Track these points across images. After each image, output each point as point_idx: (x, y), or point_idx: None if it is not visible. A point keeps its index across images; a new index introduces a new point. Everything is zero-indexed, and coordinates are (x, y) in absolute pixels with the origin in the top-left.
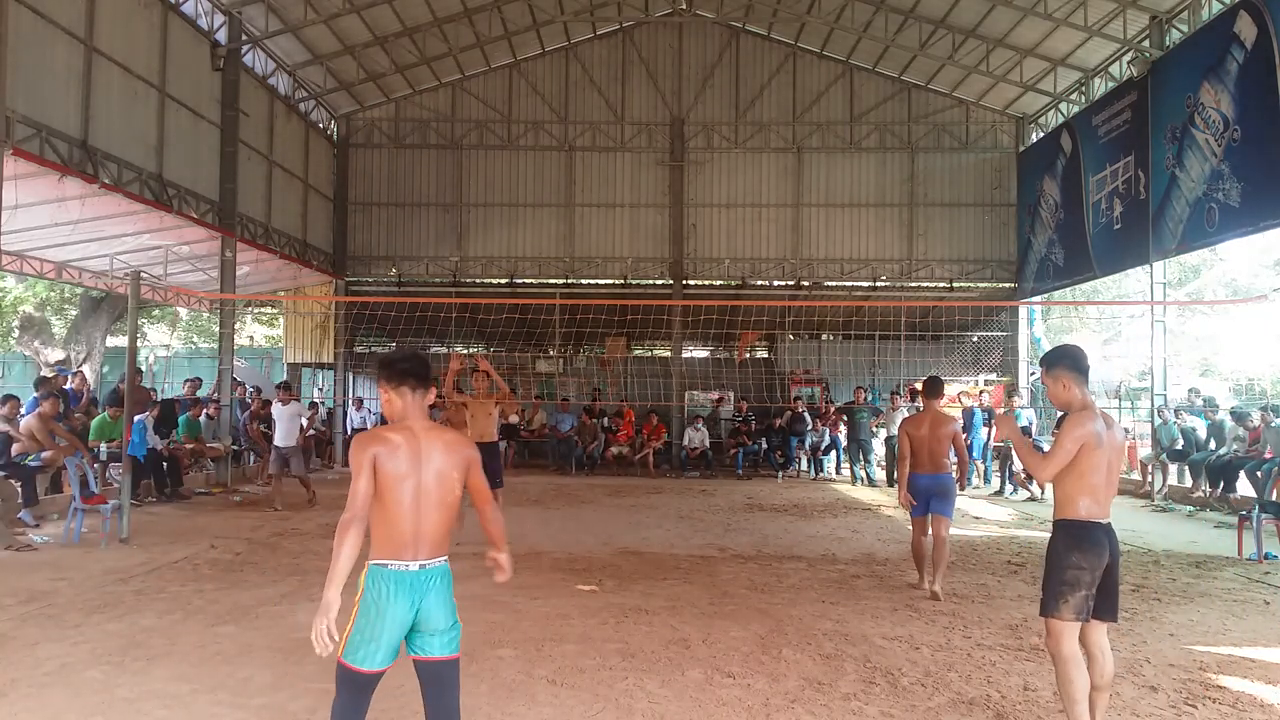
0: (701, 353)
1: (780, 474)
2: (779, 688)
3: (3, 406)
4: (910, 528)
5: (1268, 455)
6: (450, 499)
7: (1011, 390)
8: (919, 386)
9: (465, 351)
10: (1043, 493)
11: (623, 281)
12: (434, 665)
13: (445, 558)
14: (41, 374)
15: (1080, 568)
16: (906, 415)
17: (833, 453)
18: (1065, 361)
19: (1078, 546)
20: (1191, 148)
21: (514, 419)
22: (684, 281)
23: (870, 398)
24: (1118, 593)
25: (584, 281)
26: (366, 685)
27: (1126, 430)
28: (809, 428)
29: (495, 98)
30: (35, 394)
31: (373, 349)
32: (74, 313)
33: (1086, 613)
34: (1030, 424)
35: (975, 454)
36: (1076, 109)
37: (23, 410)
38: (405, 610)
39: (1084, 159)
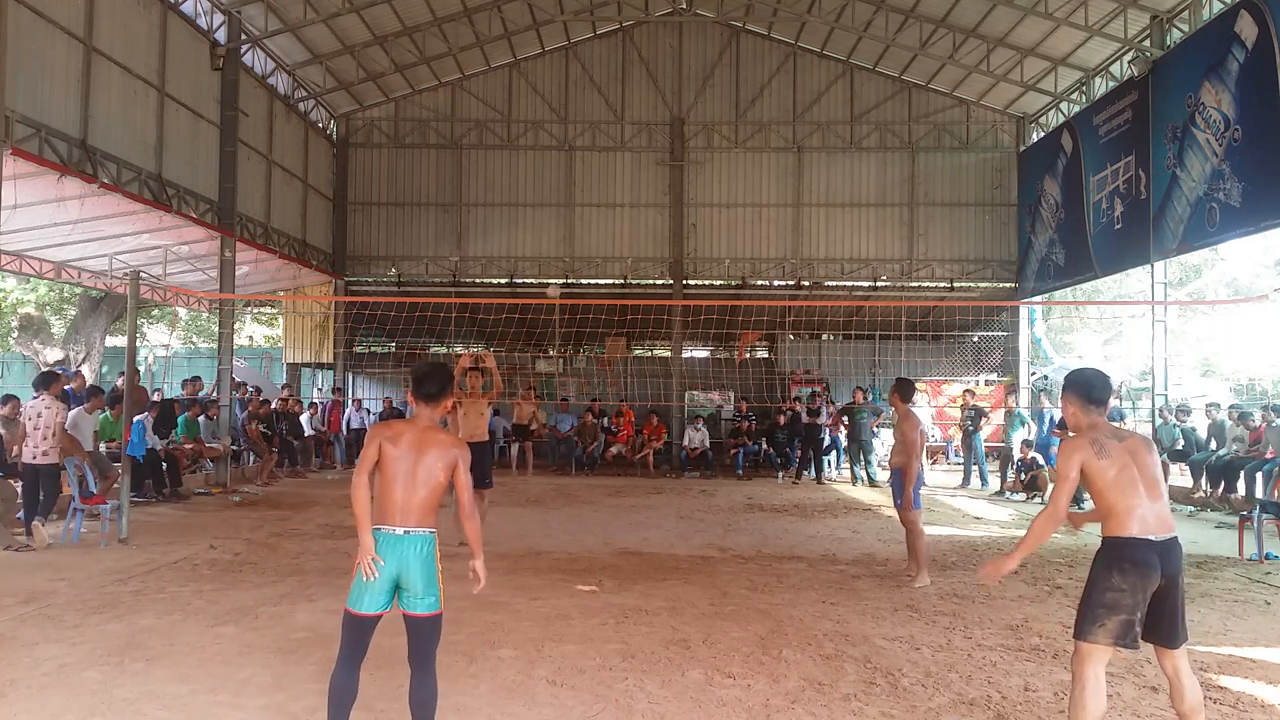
0: (701, 353)
1: (780, 474)
2: (779, 688)
3: (3, 406)
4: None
5: (1269, 455)
6: (432, 483)
7: (1011, 390)
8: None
9: (472, 350)
10: (1043, 496)
11: (623, 281)
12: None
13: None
14: (40, 374)
15: (1119, 589)
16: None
17: (833, 453)
18: (1073, 389)
19: (1116, 566)
20: (1192, 147)
21: (527, 413)
22: (684, 281)
23: (871, 398)
24: (1177, 616)
25: (584, 281)
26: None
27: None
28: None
29: (495, 97)
30: (34, 394)
31: (372, 349)
32: (73, 313)
33: (1130, 639)
34: (1026, 425)
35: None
36: (1077, 108)
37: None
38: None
39: (1085, 158)
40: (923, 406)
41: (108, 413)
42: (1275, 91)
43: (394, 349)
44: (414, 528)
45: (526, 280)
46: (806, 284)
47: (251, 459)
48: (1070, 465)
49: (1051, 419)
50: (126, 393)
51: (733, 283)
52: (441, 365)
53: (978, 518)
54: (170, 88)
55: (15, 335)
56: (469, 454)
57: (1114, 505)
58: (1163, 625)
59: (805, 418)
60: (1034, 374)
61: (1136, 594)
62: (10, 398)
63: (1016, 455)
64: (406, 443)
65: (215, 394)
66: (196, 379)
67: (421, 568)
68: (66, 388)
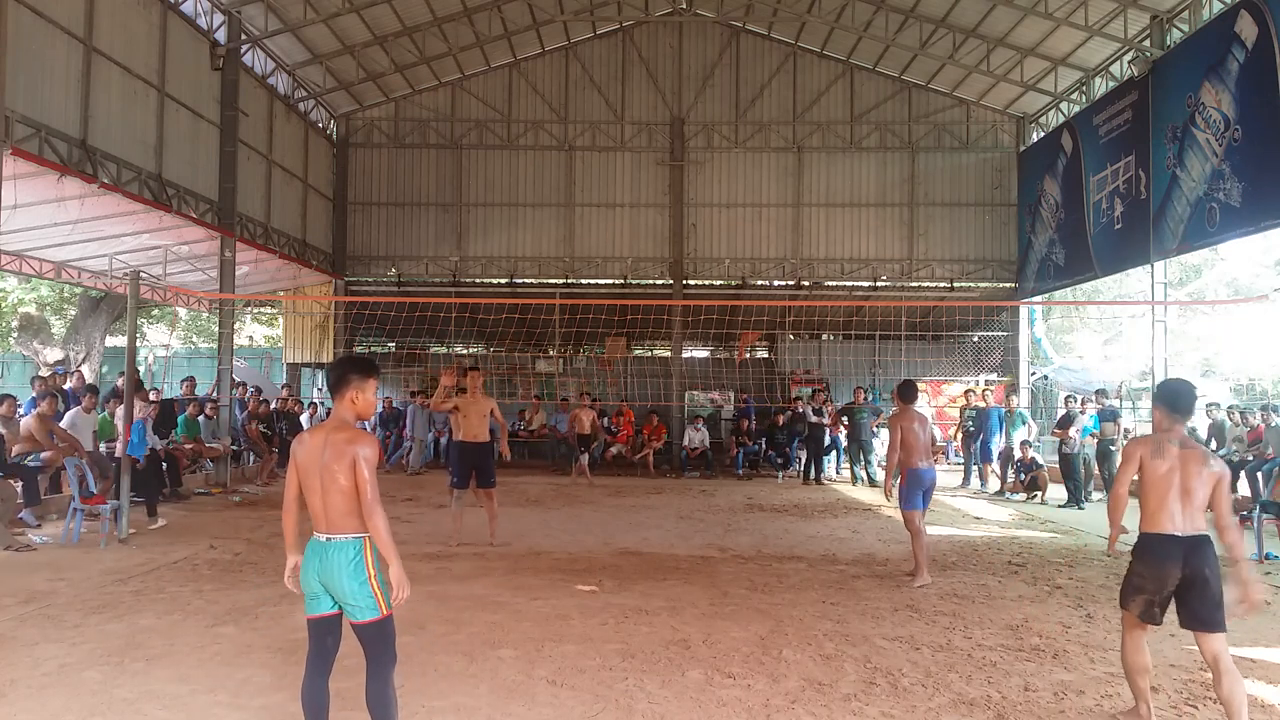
0: (701, 353)
1: (780, 474)
2: (779, 688)
3: None
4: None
5: (1269, 455)
6: (337, 487)
7: (1011, 390)
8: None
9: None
10: (1042, 496)
11: (623, 281)
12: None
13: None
14: (39, 373)
15: (1141, 575)
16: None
17: (833, 453)
18: (1161, 399)
19: (1139, 557)
20: (1192, 147)
21: (587, 421)
22: (684, 281)
23: (871, 398)
24: (1206, 605)
25: (584, 281)
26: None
27: (1127, 430)
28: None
29: (495, 97)
30: (33, 393)
31: (372, 349)
32: (73, 313)
33: (1153, 618)
34: (1028, 424)
35: (985, 455)
36: (1077, 108)
37: (21, 410)
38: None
39: (1085, 158)
40: (923, 406)
41: (106, 412)
42: (1275, 91)
43: (394, 349)
44: (334, 534)
45: (526, 280)
46: (806, 284)
47: (251, 459)
48: (1124, 459)
49: (1000, 416)
50: (127, 393)
51: (733, 283)
52: (346, 358)
53: (978, 518)
54: (170, 88)
55: (15, 335)
56: (373, 448)
57: (1149, 502)
58: (1196, 612)
59: (812, 417)
60: (1034, 374)
61: (1155, 581)
62: (7, 397)
63: (1016, 455)
64: (311, 449)
65: (215, 393)
66: (189, 379)
67: (346, 575)
68: (65, 387)
